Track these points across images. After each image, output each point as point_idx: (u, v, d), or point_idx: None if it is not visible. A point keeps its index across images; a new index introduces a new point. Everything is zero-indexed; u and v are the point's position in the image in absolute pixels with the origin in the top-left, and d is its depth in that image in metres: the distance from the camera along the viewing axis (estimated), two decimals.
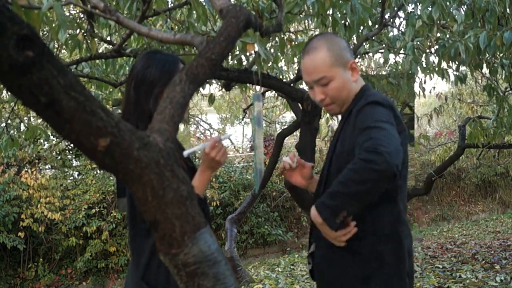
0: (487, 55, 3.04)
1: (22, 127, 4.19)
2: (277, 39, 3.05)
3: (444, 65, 3.49)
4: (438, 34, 3.08)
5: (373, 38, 3.35)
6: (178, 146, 1.54)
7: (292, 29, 4.28)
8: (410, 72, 3.41)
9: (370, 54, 4.62)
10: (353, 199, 1.27)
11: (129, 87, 1.53)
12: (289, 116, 12.34)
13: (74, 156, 8.86)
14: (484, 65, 3.46)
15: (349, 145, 1.44)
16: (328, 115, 4.19)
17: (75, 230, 7.88)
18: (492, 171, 11.49)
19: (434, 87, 6.25)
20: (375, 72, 5.73)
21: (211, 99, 3.91)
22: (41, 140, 7.81)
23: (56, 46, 3.50)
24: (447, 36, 3.10)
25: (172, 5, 2.95)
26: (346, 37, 2.69)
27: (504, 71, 3.45)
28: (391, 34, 3.76)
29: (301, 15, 2.81)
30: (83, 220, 7.83)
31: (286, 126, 6.23)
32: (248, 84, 3.82)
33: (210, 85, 4.96)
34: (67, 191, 8.31)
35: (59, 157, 8.60)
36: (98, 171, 8.45)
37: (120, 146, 0.81)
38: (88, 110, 0.77)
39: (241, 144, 12.87)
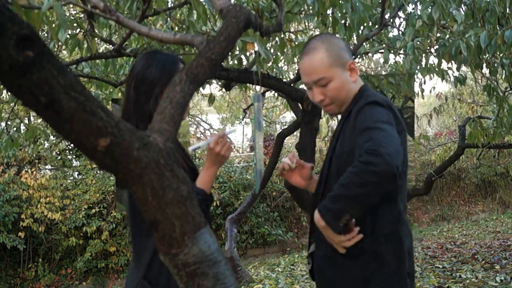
0: (488, 54, 3.04)
1: (22, 128, 4.19)
2: (277, 39, 3.05)
3: (444, 65, 3.49)
4: (438, 34, 3.08)
5: (373, 38, 3.35)
6: (178, 146, 1.54)
7: (292, 29, 4.28)
8: (410, 72, 3.41)
9: (370, 54, 4.62)
10: (355, 202, 1.27)
11: (129, 87, 1.53)
12: (289, 116, 12.33)
13: (74, 156, 8.85)
14: (484, 65, 3.46)
15: (348, 146, 1.44)
16: (328, 115, 4.19)
17: (75, 230, 7.88)
18: (492, 171, 11.48)
19: (434, 87, 6.25)
20: (374, 72, 5.73)
21: (211, 99, 3.91)
22: (41, 140, 7.82)
23: (56, 46, 3.50)
24: (447, 36, 3.10)
25: (172, 4, 2.95)
26: (346, 37, 2.69)
27: (504, 71, 3.45)
28: (391, 34, 3.76)
29: (301, 15, 2.81)
30: (83, 220, 7.83)
31: (286, 126, 6.23)
32: (248, 84, 3.82)
33: (210, 85, 4.96)
34: (67, 191, 8.31)
35: (59, 157, 8.60)
36: (98, 171, 8.45)
37: (120, 146, 0.81)
38: (88, 110, 0.77)
39: (241, 144, 12.86)
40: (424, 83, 4.45)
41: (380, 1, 3.04)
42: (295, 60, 3.78)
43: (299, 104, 3.60)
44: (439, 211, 11.55)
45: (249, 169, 10.26)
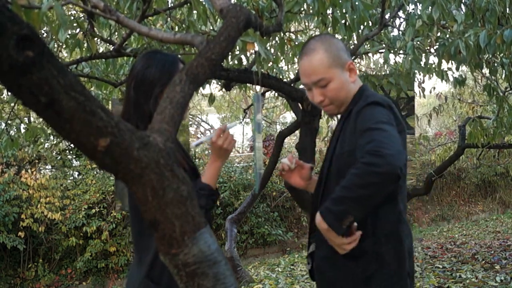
0: (487, 54, 3.04)
1: (22, 128, 4.19)
2: (277, 39, 3.05)
3: (444, 66, 3.49)
4: (438, 34, 3.08)
5: (373, 38, 3.35)
6: (178, 146, 1.54)
7: (292, 29, 4.29)
8: (410, 71, 3.41)
9: (370, 54, 4.62)
10: (358, 203, 1.27)
11: (129, 87, 1.53)
12: (289, 116, 12.33)
13: (74, 156, 8.85)
14: (484, 64, 3.46)
15: (349, 146, 1.44)
16: (327, 115, 4.19)
17: (75, 230, 7.88)
18: (492, 171, 11.48)
19: (434, 87, 6.25)
20: (373, 72, 5.73)
21: (211, 99, 3.91)
22: (42, 140, 7.81)
23: (56, 46, 3.50)
24: (447, 36, 3.10)
25: (172, 4, 2.95)
26: (346, 37, 2.69)
27: (504, 71, 3.45)
28: (391, 34, 3.76)
29: (301, 14, 2.81)
30: (83, 220, 7.83)
31: (286, 126, 6.23)
32: (248, 84, 3.82)
33: (210, 85, 4.96)
34: (67, 191, 8.31)
35: (59, 157, 8.59)
36: (98, 171, 8.45)
37: (120, 146, 0.81)
38: (88, 110, 0.77)
39: (241, 144, 12.86)
40: (423, 82, 4.45)
41: (380, 1, 3.04)
42: (295, 60, 3.78)
43: (299, 104, 3.60)
44: (439, 211, 11.55)
45: (249, 169, 10.26)
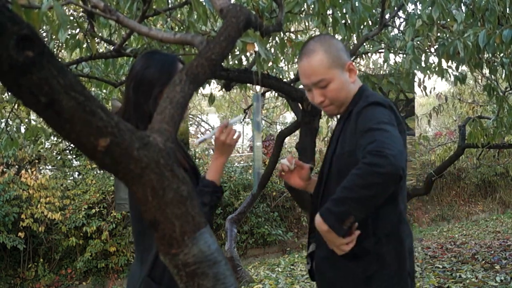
0: (487, 54, 3.04)
1: (22, 128, 4.19)
2: (277, 39, 3.05)
3: (444, 65, 3.49)
4: (438, 34, 3.09)
5: (373, 38, 3.35)
6: (178, 146, 1.54)
7: (292, 29, 4.29)
8: (410, 71, 3.42)
9: (369, 54, 4.62)
10: (360, 204, 1.26)
11: (128, 87, 1.52)
12: (289, 116, 12.33)
13: (74, 156, 8.85)
14: (484, 64, 3.46)
15: (349, 146, 1.43)
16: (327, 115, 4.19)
17: (75, 230, 7.87)
18: (492, 171, 11.48)
19: (434, 87, 6.25)
20: (372, 72, 5.73)
21: (211, 99, 3.91)
22: (42, 140, 7.81)
23: (56, 46, 3.50)
24: (447, 35, 3.10)
25: (172, 4, 2.95)
26: (346, 37, 2.69)
27: (504, 70, 3.45)
28: (391, 34, 3.77)
29: (301, 15, 2.81)
30: (83, 220, 7.82)
31: (286, 126, 6.23)
32: (248, 84, 3.82)
33: (210, 85, 4.96)
34: (67, 191, 8.31)
35: (59, 157, 8.59)
36: (98, 171, 8.45)
37: (120, 146, 0.81)
38: (88, 110, 0.77)
39: (241, 144, 12.86)
40: (423, 82, 4.45)
41: (380, 1, 3.05)
42: (295, 60, 3.78)
43: (299, 104, 3.60)
44: (439, 211, 11.55)
45: (249, 169, 10.26)
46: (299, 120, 3.91)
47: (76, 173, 9.06)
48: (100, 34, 2.72)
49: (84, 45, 2.48)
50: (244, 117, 6.61)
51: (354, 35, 2.82)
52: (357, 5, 2.47)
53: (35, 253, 7.95)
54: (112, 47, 2.68)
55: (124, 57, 2.91)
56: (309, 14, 2.82)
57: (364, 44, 3.57)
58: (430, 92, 6.13)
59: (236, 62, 2.96)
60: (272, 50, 3.38)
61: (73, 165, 8.97)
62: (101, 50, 3.89)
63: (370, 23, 3.28)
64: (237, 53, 2.44)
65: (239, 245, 8.74)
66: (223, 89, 4.06)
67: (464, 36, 2.75)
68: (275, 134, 8.36)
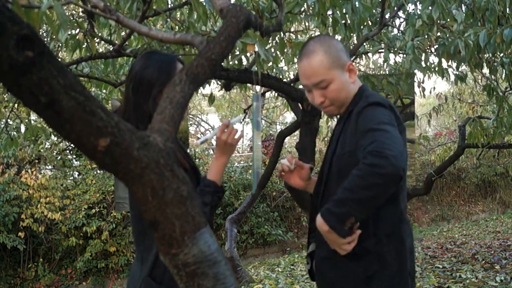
0: (487, 53, 3.04)
1: (23, 128, 4.19)
2: (277, 39, 3.05)
3: (444, 64, 3.49)
4: (438, 34, 3.09)
5: (373, 38, 3.35)
6: (179, 146, 1.54)
7: (292, 29, 4.29)
8: (410, 71, 3.41)
9: (369, 55, 4.63)
10: (361, 205, 1.26)
11: (128, 88, 1.53)
12: (289, 116, 12.33)
13: (74, 156, 8.85)
14: (484, 64, 3.46)
15: (349, 147, 1.43)
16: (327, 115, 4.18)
17: (75, 230, 7.87)
18: (492, 171, 11.48)
19: (434, 87, 6.25)
20: (372, 72, 5.73)
21: (211, 99, 3.91)
22: (42, 139, 7.81)
23: (56, 46, 3.50)
24: (447, 35, 3.10)
25: (172, 5, 2.95)
26: (346, 37, 2.69)
27: (504, 70, 3.45)
28: (391, 34, 3.77)
29: (301, 15, 2.81)
30: (83, 220, 7.82)
31: (286, 126, 6.23)
32: (248, 84, 3.82)
33: (210, 85, 4.96)
34: (67, 191, 8.31)
35: (59, 157, 8.59)
36: (98, 171, 8.45)
37: (120, 146, 0.81)
38: (88, 110, 0.77)
39: (241, 144, 12.85)
40: (423, 82, 4.45)
41: (380, 1, 3.05)
42: (295, 60, 3.78)
43: (299, 104, 3.60)
44: (439, 211, 11.55)
45: (249, 169, 10.26)
46: (299, 120, 3.91)
47: (76, 173, 9.06)
48: (100, 34, 2.72)
49: (84, 45, 2.48)
50: (244, 117, 6.61)
51: (354, 35, 2.82)
52: (357, 5, 2.47)
53: (35, 253, 7.95)
54: (112, 47, 2.68)
55: (124, 57, 2.91)
56: (309, 15, 2.82)
57: (364, 44, 3.57)
58: (430, 92, 6.13)
59: (236, 62, 2.96)
60: (272, 50, 3.38)
61: (73, 165, 8.97)
62: (101, 50, 3.89)
63: (370, 23, 3.28)
64: (237, 53, 2.44)
65: (239, 245, 8.74)
66: (223, 89, 4.07)
67: (465, 36, 2.75)
68: (275, 134, 8.36)
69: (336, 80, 1.48)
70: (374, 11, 3.08)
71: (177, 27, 2.99)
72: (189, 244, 0.92)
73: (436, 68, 3.51)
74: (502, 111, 4.37)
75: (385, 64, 4.18)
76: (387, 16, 3.20)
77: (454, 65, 3.41)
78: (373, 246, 1.43)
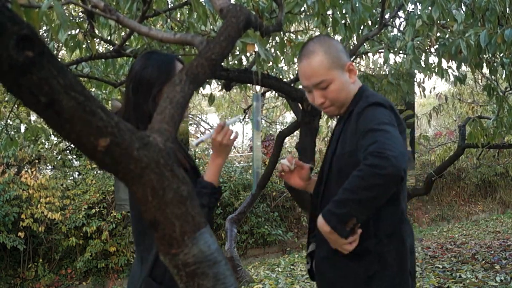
0: (488, 54, 3.04)
1: (23, 128, 4.19)
2: (277, 39, 3.05)
3: (444, 65, 3.49)
4: (438, 34, 3.09)
5: (373, 38, 3.35)
6: (179, 146, 1.54)
7: (292, 29, 4.29)
8: (410, 72, 3.41)
9: (370, 55, 4.62)
10: (362, 206, 1.26)
11: (128, 88, 1.53)
12: (289, 116, 12.33)
13: (74, 156, 8.85)
14: (484, 64, 3.46)
15: (350, 147, 1.43)
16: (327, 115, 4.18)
17: (75, 230, 7.88)
18: (492, 171, 11.48)
19: (434, 87, 6.25)
20: (372, 72, 5.73)
21: (211, 99, 3.91)
22: (42, 140, 7.81)
23: (56, 46, 3.50)
24: (447, 35, 3.10)
25: (172, 5, 2.95)
26: (346, 37, 2.69)
27: (504, 70, 3.45)
28: (391, 34, 3.76)
29: (301, 15, 2.81)
30: (83, 220, 7.83)
31: (286, 126, 6.23)
32: (248, 84, 3.82)
33: (210, 85, 4.96)
34: (67, 191, 8.31)
35: (59, 157, 8.59)
36: (98, 171, 8.45)
37: (120, 146, 0.81)
38: (88, 110, 0.77)
39: (241, 144, 12.86)
40: (423, 82, 4.45)
41: (380, 1, 3.05)
42: (295, 60, 3.78)
43: (299, 104, 3.60)
44: (439, 211, 11.55)
45: (249, 169, 10.26)
46: (299, 120, 3.91)
47: (76, 173, 9.07)
48: (100, 34, 2.72)
49: (84, 45, 2.48)
50: (244, 117, 6.61)
51: (354, 35, 2.82)
52: (357, 5, 2.47)
53: (35, 253, 7.95)
54: (112, 47, 2.68)
55: (124, 57, 2.91)
56: (309, 15, 2.82)
57: (364, 44, 3.57)
58: (430, 92, 6.13)
59: (236, 62, 2.96)
60: (272, 50, 3.38)
61: (73, 165, 8.97)
62: (101, 50, 3.89)
63: (370, 23, 3.28)
64: (237, 53, 2.44)
65: (239, 245, 8.74)
66: (223, 89, 4.07)
67: (466, 36, 2.75)
68: (275, 134, 8.36)
69: (336, 81, 1.48)
70: (374, 11, 3.08)
71: (176, 27, 2.99)
72: (189, 244, 0.92)
73: (436, 69, 3.51)
74: (502, 111, 4.37)
75: (385, 64, 4.18)
76: (387, 16, 3.20)
77: (454, 65, 3.41)
78: (373, 246, 1.43)
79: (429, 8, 2.74)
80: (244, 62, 3.22)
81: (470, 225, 10.35)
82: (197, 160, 9.43)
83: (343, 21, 2.60)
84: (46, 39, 2.88)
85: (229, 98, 11.76)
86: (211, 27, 2.82)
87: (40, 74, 0.71)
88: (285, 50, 3.06)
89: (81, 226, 7.85)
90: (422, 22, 2.94)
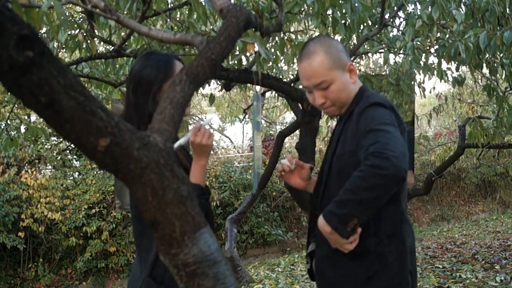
0: (487, 54, 3.04)
1: (23, 128, 4.20)
2: (277, 39, 3.05)
3: (444, 66, 3.49)
4: (438, 34, 3.09)
5: (373, 38, 3.35)
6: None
7: (292, 29, 4.28)
8: (410, 72, 3.41)
9: (370, 55, 4.62)
10: (363, 206, 1.26)
11: (128, 90, 1.55)
12: (289, 116, 12.33)
13: (74, 157, 8.85)
14: (484, 65, 3.46)
15: (350, 147, 1.43)
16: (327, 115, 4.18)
17: (75, 230, 7.88)
18: (492, 171, 11.49)
19: (434, 87, 6.25)
20: (372, 73, 5.72)
21: (211, 99, 3.91)
22: (42, 140, 7.81)
23: (56, 46, 3.50)
24: (447, 36, 3.10)
25: (172, 5, 2.95)
26: (346, 37, 2.69)
27: (504, 71, 3.45)
28: (391, 34, 3.76)
29: (301, 15, 2.81)
30: (83, 220, 7.83)
31: (286, 126, 6.23)
32: (248, 84, 3.82)
33: (210, 85, 4.96)
34: (67, 191, 8.31)
35: (59, 157, 8.59)
36: (98, 171, 8.45)
37: (120, 146, 0.81)
38: (88, 110, 0.77)
39: (241, 144, 12.86)
40: (423, 82, 4.45)
41: (380, 1, 3.05)
42: (295, 60, 3.78)
43: (299, 104, 3.60)
44: (439, 211, 11.56)
45: (249, 169, 10.26)
46: (299, 120, 3.91)
47: (76, 173, 9.07)
48: (100, 35, 2.72)
49: (84, 46, 2.48)
50: (244, 117, 6.61)
51: (354, 35, 2.82)
52: (356, 5, 2.47)
53: (35, 253, 7.95)
54: (112, 48, 2.68)
55: (124, 57, 2.91)
56: (309, 14, 2.82)
57: (364, 44, 3.57)
58: (430, 92, 6.13)
59: (236, 62, 2.96)
60: (272, 50, 3.38)
61: (73, 165, 8.97)
62: (101, 50, 3.89)
63: (370, 23, 3.27)
64: (237, 53, 2.44)
65: (239, 245, 8.74)
66: (223, 89, 4.06)
67: (465, 37, 2.75)
68: (275, 134, 8.35)
69: (337, 81, 1.48)
70: (374, 11, 3.08)
71: (176, 27, 2.99)
72: (189, 244, 0.92)
73: (436, 70, 3.51)
74: (502, 111, 4.38)
75: (385, 64, 4.18)
76: (387, 16, 3.20)
77: (454, 66, 3.41)
78: (374, 246, 1.43)
79: (429, 8, 2.74)
80: (244, 62, 3.22)
81: (470, 225, 10.35)
82: None
83: (343, 21, 2.60)
84: (47, 38, 2.88)
85: (229, 98, 11.76)
86: (211, 27, 2.82)
87: (40, 74, 0.71)
88: (285, 50, 3.06)
89: (81, 226, 7.85)
90: (422, 22, 2.94)
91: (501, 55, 3.32)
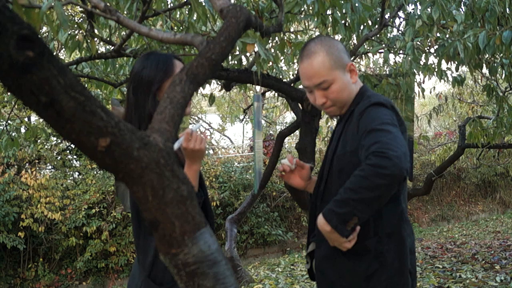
0: (487, 54, 3.04)
1: (22, 128, 4.20)
2: (277, 39, 3.05)
3: (443, 66, 3.49)
4: (438, 34, 3.09)
5: (373, 38, 3.35)
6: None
7: (292, 29, 4.28)
8: (410, 72, 3.41)
9: (370, 55, 4.62)
10: (363, 206, 1.26)
11: (129, 90, 1.55)
12: (289, 116, 12.33)
13: (74, 157, 8.86)
14: (484, 65, 3.46)
15: (351, 146, 1.43)
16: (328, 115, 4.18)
17: (75, 230, 7.88)
18: (492, 171, 11.49)
19: (434, 87, 6.25)
20: (372, 72, 5.72)
21: (211, 99, 3.91)
22: (42, 140, 7.81)
23: (56, 46, 3.50)
24: (447, 36, 3.10)
25: (172, 5, 2.95)
26: (346, 37, 2.69)
27: (504, 71, 3.45)
28: (391, 34, 3.77)
29: (301, 15, 2.81)
30: (83, 220, 7.83)
31: (286, 126, 6.23)
32: (248, 84, 3.82)
33: (210, 85, 4.96)
34: (67, 191, 8.31)
35: (59, 157, 8.60)
36: (98, 171, 8.45)
37: (120, 146, 0.81)
38: (88, 110, 0.77)
39: (241, 144, 12.86)
40: (423, 82, 4.46)
41: (380, 1, 3.05)
42: (295, 60, 3.78)
43: (299, 104, 3.60)
44: (439, 211, 11.56)
45: (249, 169, 10.26)
46: (299, 120, 3.91)
47: (76, 173, 9.07)
48: (100, 35, 2.72)
49: (84, 46, 2.48)
50: (244, 117, 6.61)
51: (354, 35, 2.82)
52: (357, 5, 2.47)
53: (35, 253, 7.95)
54: (112, 48, 2.69)
55: (124, 57, 2.92)
56: (309, 14, 2.82)
57: (364, 44, 3.57)
58: (430, 92, 6.13)
59: (236, 62, 2.96)
60: (272, 50, 3.38)
61: (73, 165, 8.97)
62: (101, 50, 3.89)
63: (370, 23, 3.28)
64: (237, 53, 2.44)
65: (239, 245, 8.74)
66: (223, 89, 4.07)
67: (464, 37, 2.75)
68: (275, 134, 8.36)
69: (337, 81, 1.48)
70: (374, 11, 3.08)
71: (176, 27, 2.99)
72: (189, 244, 0.92)
73: (436, 70, 3.51)
74: (502, 111, 4.38)
75: (385, 64, 4.18)
76: (387, 16, 3.20)
77: (454, 66, 3.41)
78: (373, 245, 1.43)
79: (429, 8, 2.74)
80: (244, 62, 3.23)
81: (470, 225, 10.35)
82: None
83: (343, 21, 2.60)
84: (47, 38, 2.88)
85: (229, 98, 11.76)
86: (211, 27, 2.82)
87: (40, 74, 0.71)
88: (285, 50, 3.06)
89: (81, 226, 7.85)
90: (422, 23, 2.94)
91: (501, 55, 3.32)
